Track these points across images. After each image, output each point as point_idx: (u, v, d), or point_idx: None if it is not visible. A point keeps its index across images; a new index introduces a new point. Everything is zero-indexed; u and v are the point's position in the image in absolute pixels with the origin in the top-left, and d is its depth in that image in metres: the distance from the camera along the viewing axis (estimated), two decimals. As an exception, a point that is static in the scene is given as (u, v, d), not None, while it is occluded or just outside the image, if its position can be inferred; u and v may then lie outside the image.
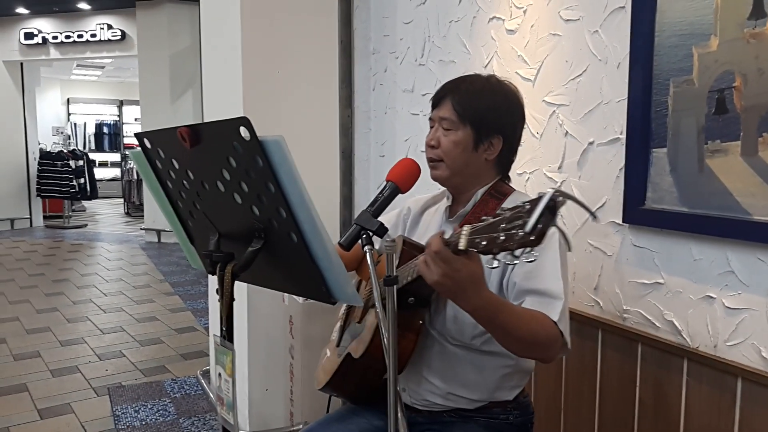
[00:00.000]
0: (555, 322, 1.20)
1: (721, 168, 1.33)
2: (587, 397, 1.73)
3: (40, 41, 9.33)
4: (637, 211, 1.52)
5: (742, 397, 1.34)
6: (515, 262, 0.89)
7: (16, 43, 9.45)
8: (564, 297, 1.23)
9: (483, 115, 1.35)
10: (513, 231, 0.88)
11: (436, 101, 1.42)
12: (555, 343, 1.22)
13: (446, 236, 1.06)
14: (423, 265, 1.08)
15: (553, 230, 1.25)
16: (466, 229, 0.99)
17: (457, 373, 1.39)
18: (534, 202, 0.86)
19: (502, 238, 0.90)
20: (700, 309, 1.42)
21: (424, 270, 1.08)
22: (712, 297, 1.39)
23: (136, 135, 1.31)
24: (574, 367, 1.77)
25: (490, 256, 0.93)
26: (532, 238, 0.85)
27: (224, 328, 1.22)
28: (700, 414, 1.43)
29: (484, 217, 0.96)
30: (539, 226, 0.84)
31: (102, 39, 9.14)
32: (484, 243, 0.94)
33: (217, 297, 1.22)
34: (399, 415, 1.04)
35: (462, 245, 0.99)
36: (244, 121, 0.99)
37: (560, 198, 0.84)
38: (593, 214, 0.98)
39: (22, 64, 9.81)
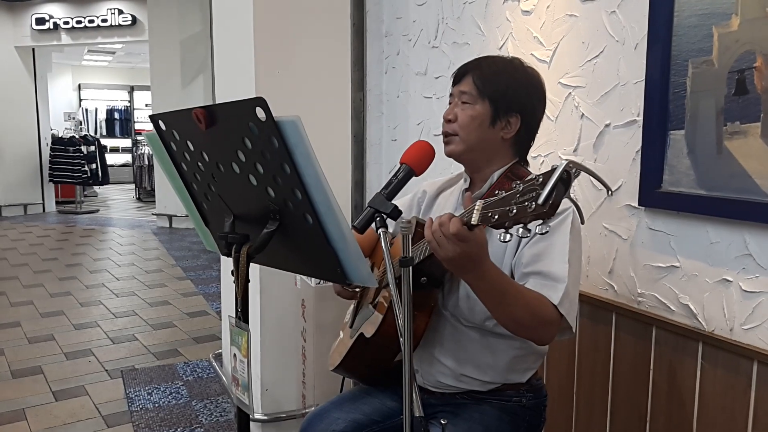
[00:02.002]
0: (555, 305, 1.21)
1: (740, 150, 1.32)
2: (600, 381, 1.73)
3: (52, 26, 9.35)
4: (654, 194, 1.51)
5: (758, 381, 1.33)
6: (527, 235, 0.90)
7: (27, 29, 9.47)
8: (567, 280, 1.22)
9: (502, 92, 1.34)
10: (526, 203, 0.88)
11: (458, 77, 1.41)
12: (551, 325, 1.22)
13: (457, 213, 1.08)
14: (436, 246, 1.10)
15: (567, 213, 1.26)
16: (479, 204, 1.00)
17: (469, 354, 1.40)
18: (547, 175, 0.86)
19: (515, 211, 0.90)
20: (717, 292, 1.40)
21: (434, 247, 1.11)
22: (728, 280, 1.38)
23: (151, 117, 1.30)
24: (588, 351, 1.76)
25: (503, 230, 0.93)
26: (545, 209, 0.84)
27: (239, 309, 1.22)
28: (714, 397, 1.42)
29: (497, 192, 0.96)
30: (552, 196, 0.83)
31: (113, 24, 9.14)
32: (496, 217, 0.95)
33: (232, 279, 1.22)
34: (414, 396, 1.04)
35: (475, 220, 1.01)
36: (260, 102, 0.98)
37: (574, 169, 0.84)
38: (607, 187, 0.98)
39: (33, 49, 9.83)
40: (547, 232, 0.88)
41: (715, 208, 1.37)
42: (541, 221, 0.87)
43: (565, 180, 0.84)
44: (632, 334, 1.62)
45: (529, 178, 0.91)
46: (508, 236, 0.93)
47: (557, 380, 1.87)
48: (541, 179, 0.87)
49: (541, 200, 0.85)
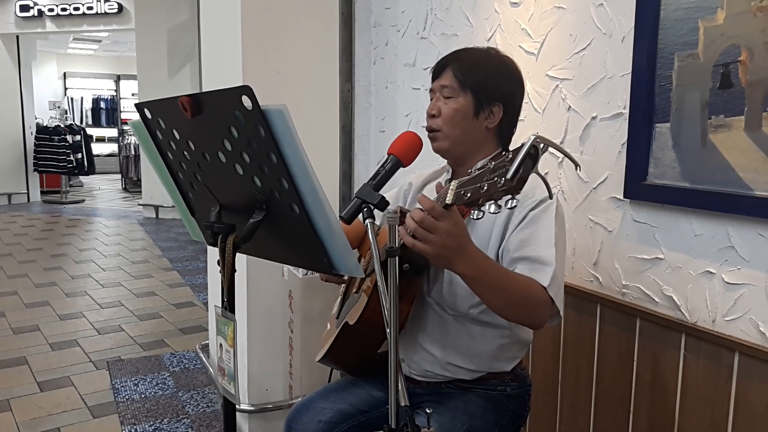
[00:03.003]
0: (545, 288, 1.22)
1: (725, 143, 1.33)
2: (585, 371, 1.74)
3: (36, 13, 9.21)
4: (639, 187, 1.52)
5: (739, 371, 1.35)
6: (498, 211, 0.91)
7: (11, 16, 9.33)
8: (555, 264, 1.24)
9: (483, 82, 1.35)
10: (495, 179, 0.90)
11: (437, 72, 1.42)
12: (543, 308, 1.23)
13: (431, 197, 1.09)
14: (416, 242, 1.10)
15: (551, 201, 1.27)
16: (453, 184, 1.02)
17: (454, 342, 1.41)
18: (516, 151, 0.88)
19: (485, 187, 0.92)
20: (700, 284, 1.42)
21: (421, 247, 1.10)
22: (711, 272, 1.39)
23: (137, 105, 1.29)
24: (572, 342, 1.78)
25: (476, 208, 0.95)
26: (513, 184, 0.86)
27: (225, 299, 1.22)
28: (697, 388, 1.44)
29: (470, 170, 0.98)
30: (521, 171, 0.85)
31: (99, 12, 9.02)
32: (468, 195, 0.97)
33: (218, 269, 1.22)
34: (400, 385, 1.04)
35: (449, 199, 1.02)
36: (247, 90, 0.98)
37: (541, 144, 0.86)
38: (575, 162, 1.00)
39: (18, 37, 9.69)
40: (516, 206, 0.90)
41: (699, 201, 1.39)
42: (510, 196, 0.89)
43: (533, 155, 0.86)
44: (616, 326, 1.64)
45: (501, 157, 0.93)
46: (481, 213, 0.95)
47: (542, 370, 1.89)
48: (510, 156, 0.89)
49: (509, 175, 0.87)
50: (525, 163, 0.86)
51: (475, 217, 0.96)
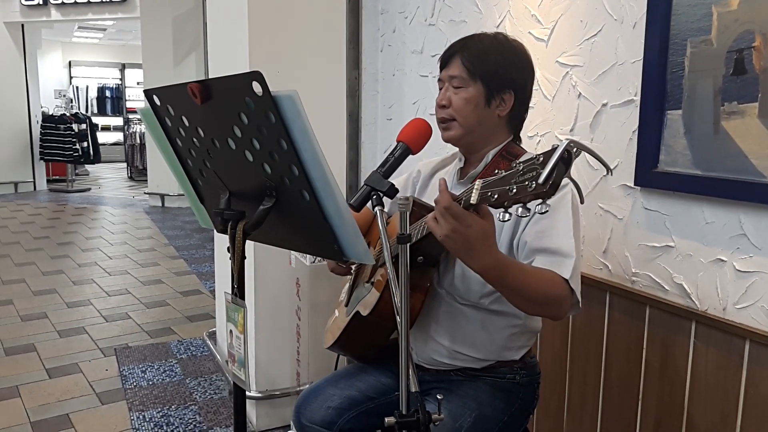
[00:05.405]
0: (566, 280, 1.20)
1: (737, 130, 1.32)
2: (594, 359, 1.74)
3: (41, 2, 9.18)
4: (650, 174, 1.51)
5: (750, 359, 1.34)
6: (526, 215, 0.89)
7: (17, 4, 9.31)
8: (575, 255, 1.22)
9: (493, 70, 1.33)
10: (526, 183, 0.88)
11: (445, 61, 1.40)
12: (565, 300, 1.22)
13: (457, 193, 1.06)
14: (432, 221, 1.08)
15: (567, 189, 1.26)
16: (478, 183, 0.99)
17: (464, 332, 1.40)
18: (548, 154, 0.85)
19: (515, 190, 0.90)
20: (711, 272, 1.41)
21: (432, 225, 1.08)
22: (722, 260, 1.38)
23: (145, 92, 1.29)
24: (581, 330, 1.78)
25: (502, 209, 0.93)
26: (545, 189, 0.84)
27: (236, 286, 1.22)
28: (707, 376, 1.44)
29: (497, 171, 0.95)
30: (553, 176, 0.83)
31: (104, 0, 8.99)
32: (495, 196, 0.94)
33: (228, 256, 1.22)
34: (411, 372, 1.04)
35: (474, 199, 0.99)
36: (257, 76, 0.97)
37: (574, 149, 0.83)
38: (607, 167, 0.97)
39: (23, 25, 9.68)
40: (546, 211, 0.87)
41: (711, 188, 1.38)
42: (540, 201, 0.87)
43: (566, 159, 0.84)
44: (626, 314, 1.63)
45: (529, 158, 0.91)
46: (507, 215, 0.93)
47: (551, 358, 1.89)
48: (541, 159, 0.86)
49: (541, 179, 0.84)
50: (558, 168, 0.84)
51: (501, 219, 0.94)
